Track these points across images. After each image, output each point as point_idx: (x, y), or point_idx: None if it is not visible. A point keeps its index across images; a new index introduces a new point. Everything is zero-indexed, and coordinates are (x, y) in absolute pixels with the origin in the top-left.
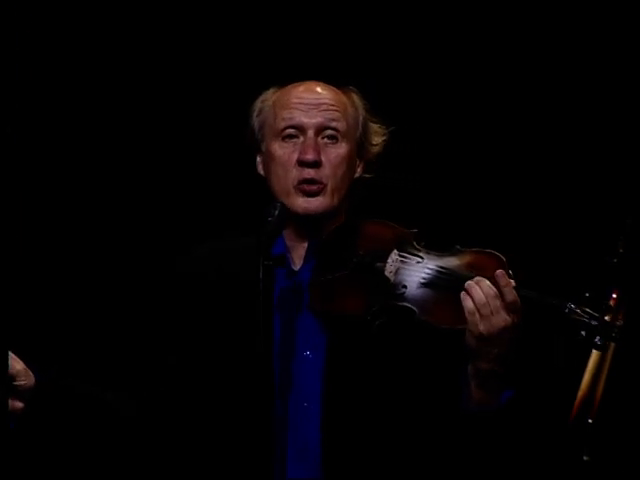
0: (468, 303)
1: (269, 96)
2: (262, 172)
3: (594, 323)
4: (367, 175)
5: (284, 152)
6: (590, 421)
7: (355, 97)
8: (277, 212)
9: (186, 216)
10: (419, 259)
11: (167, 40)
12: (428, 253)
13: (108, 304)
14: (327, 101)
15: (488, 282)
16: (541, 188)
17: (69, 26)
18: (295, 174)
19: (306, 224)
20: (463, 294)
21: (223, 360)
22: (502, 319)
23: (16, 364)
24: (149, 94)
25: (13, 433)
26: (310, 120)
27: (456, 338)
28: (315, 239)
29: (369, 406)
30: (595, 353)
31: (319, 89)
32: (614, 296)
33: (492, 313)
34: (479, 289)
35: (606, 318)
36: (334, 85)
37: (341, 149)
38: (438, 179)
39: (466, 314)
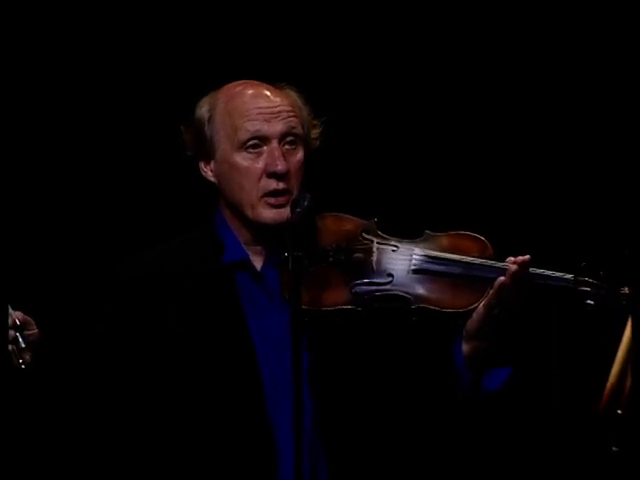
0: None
1: (215, 102)
2: (214, 180)
3: (602, 292)
4: None
5: (248, 164)
6: (619, 412)
7: (295, 95)
8: (306, 203)
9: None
10: (394, 247)
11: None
12: (400, 241)
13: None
14: (285, 107)
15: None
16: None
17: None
18: (263, 185)
19: (270, 231)
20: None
21: (202, 367)
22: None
23: (22, 315)
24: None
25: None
26: (274, 129)
27: (449, 320)
28: (275, 238)
29: (364, 397)
30: (624, 343)
31: (270, 94)
32: None
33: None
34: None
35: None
36: (270, 84)
37: (300, 153)
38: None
39: (492, 296)
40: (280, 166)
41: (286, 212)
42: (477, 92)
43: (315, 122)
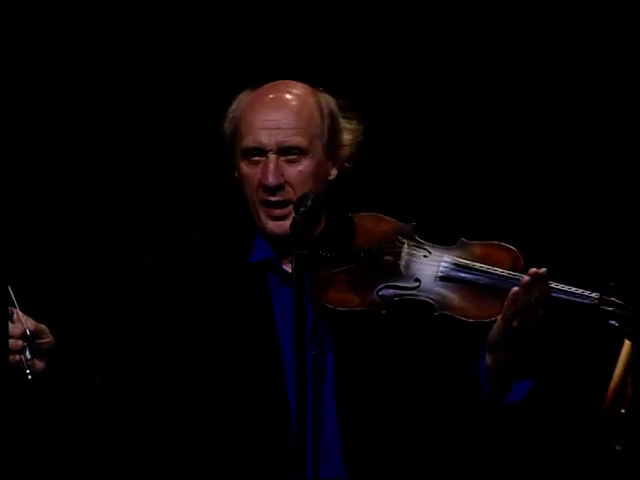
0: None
1: (241, 102)
2: (238, 177)
3: (627, 313)
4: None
5: (249, 172)
6: (623, 411)
7: (323, 98)
8: (310, 202)
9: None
10: (426, 252)
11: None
12: (433, 247)
13: None
14: (290, 121)
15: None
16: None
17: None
18: (260, 195)
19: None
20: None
21: (227, 364)
22: (538, 313)
23: (37, 323)
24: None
25: (32, 387)
26: (269, 142)
27: (472, 330)
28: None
29: (385, 401)
30: (627, 344)
31: (281, 104)
32: None
33: (527, 308)
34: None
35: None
36: (306, 83)
37: (304, 165)
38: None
39: (507, 307)
40: (270, 179)
41: (285, 225)
42: (520, 105)
43: (348, 127)
